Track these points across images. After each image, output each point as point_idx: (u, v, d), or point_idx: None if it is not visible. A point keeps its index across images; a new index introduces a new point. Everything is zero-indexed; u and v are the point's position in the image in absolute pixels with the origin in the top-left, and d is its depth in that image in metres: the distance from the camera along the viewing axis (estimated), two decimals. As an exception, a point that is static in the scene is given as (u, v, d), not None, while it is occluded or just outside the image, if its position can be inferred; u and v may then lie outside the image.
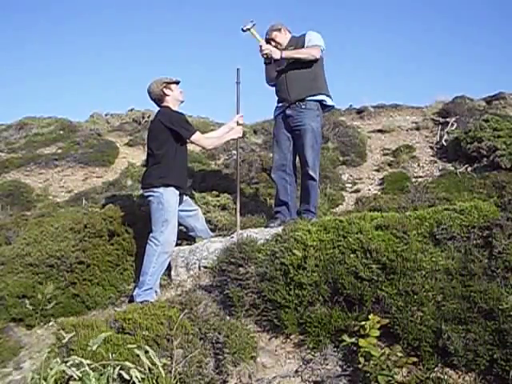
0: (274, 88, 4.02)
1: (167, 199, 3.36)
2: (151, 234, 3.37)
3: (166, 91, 3.54)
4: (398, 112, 9.06)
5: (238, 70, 3.74)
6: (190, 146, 3.68)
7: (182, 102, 3.67)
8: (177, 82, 3.61)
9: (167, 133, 3.42)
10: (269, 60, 3.86)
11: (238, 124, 3.78)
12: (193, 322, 2.60)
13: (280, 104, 3.95)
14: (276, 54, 3.76)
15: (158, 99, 3.56)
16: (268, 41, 3.97)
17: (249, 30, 3.83)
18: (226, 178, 5.81)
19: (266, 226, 3.80)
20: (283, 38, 3.95)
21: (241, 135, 3.80)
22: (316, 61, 3.78)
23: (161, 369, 1.81)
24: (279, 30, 3.95)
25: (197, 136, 3.49)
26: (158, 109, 3.63)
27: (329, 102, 3.89)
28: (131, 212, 4.00)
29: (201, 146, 3.72)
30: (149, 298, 3.24)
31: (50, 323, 3.29)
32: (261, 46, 3.81)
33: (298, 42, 3.87)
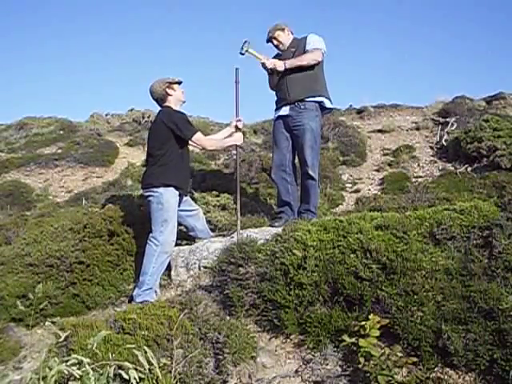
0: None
1: (167, 199, 3.36)
2: (151, 234, 3.36)
3: (169, 91, 3.54)
4: (398, 112, 9.07)
5: (236, 69, 3.74)
6: (190, 147, 3.68)
7: (183, 102, 3.67)
8: (179, 82, 3.62)
9: (168, 133, 3.42)
10: (273, 72, 3.88)
11: (238, 129, 3.76)
12: (193, 322, 2.59)
13: (279, 104, 3.95)
14: (280, 67, 3.78)
15: (161, 99, 3.56)
16: (270, 39, 3.98)
17: (247, 51, 3.84)
18: (226, 178, 5.81)
19: (270, 226, 3.80)
20: (285, 38, 3.96)
21: (241, 142, 3.79)
22: (317, 63, 3.80)
23: (157, 370, 1.81)
24: (283, 29, 3.96)
25: (198, 136, 3.49)
26: (159, 109, 3.63)
27: (327, 104, 3.90)
28: (131, 212, 4.00)
29: (202, 146, 3.71)
30: (148, 298, 3.24)
31: (46, 323, 3.29)
32: (263, 64, 3.83)
33: (299, 45, 3.89)
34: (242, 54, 3.85)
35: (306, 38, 3.87)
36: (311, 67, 3.78)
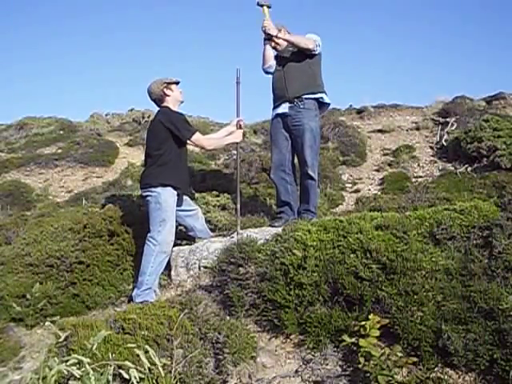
0: (268, 76, 4.04)
1: (165, 199, 3.36)
2: (149, 234, 3.37)
3: (167, 91, 3.55)
4: (398, 112, 9.06)
5: (237, 69, 3.75)
6: (189, 146, 3.68)
7: (181, 102, 3.68)
8: (177, 83, 3.62)
9: (167, 133, 3.43)
10: (267, 36, 3.90)
11: (238, 128, 3.77)
12: (193, 322, 2.59)
13: (277, 102, 3.95)
14: (273, 31, 3.82)
15: (159, 99, 3.57)
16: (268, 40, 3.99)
17: (263, 6, 3.86)
18: (226, 178, 5.81)
19: (270, 226, 3.80)
20: None
21: (241, 139, 3.79)
22: (312, 56, 3.81)
23: (160, 369, 1.81)
24: (279, 30, 3.96)
25: (197, 136, 3.49)
26: (157, 109, 3.64)
27: (326, 99, 3.91)
28: (131, 212, 4.00)
29: (200, 147, 3.72)
30: (148, 298, 3.24)
31: (46, 323, 3.29)
32: (264, 22, 3.85)
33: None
34: (258, 5, 3.88)
35: None
36: (307, 64, 3.80)
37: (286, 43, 3.94)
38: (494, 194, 4.50)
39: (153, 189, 3.38)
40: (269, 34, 3.85)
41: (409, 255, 2.45)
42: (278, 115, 3.93)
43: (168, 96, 3.55)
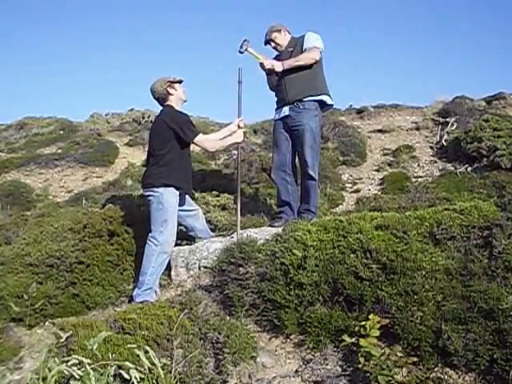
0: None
1: (167, 199, 3.36)
2: (150, 234, 3.36)
3: (170, 90, 3.54)
4: (398, 112, 9.06)
5: (239, 69, 3.75)
6: (190, 146, 3.68)
7: (185, 101, 3.68)
8: (180, 81, 3.63)
9: (170, 133, 3.42)
10: (271, 72, 3.88)
11: (239, 128, 3.77)
12: (193, 322, 2.60)
13: (279, 105, 3.95)
14: (279, 67, 3.78)
15: (162, 98, 3.56)
16: (268, 42, 3.99)
17: (246, 50, 3.85)
18: (226, 178, 5.82)
19: (270, 226, 3.80)
20: (283, 38, 3.96)
21: (242, 139, 3.80)
22: (315, 62, 3.79)
23: (160, 369, 1.81)
24: (279, 31, 3.96)
25: (200, 138, 3.49)
26: (159, 108, 3.63)
27: (328, 101, 3.89)
28: (131, 212, 4.00)
29: (203, 148, 3.72)
30: (148, 298, 3.24)
31: (46, 323, 3.30)
32: (262, 64, 3.83)
33: (297, 44, 3.88)
34: (241, 53, 3.86)
35: (303, 37, 3.87)
36: (309, 66, 3.78)
37: (286, 42, 3.94)
38: (494, 194, 4.50)
39: (155, 189, 3.38)
40: (277, 72, 3.79)
41: (409, 255, 2.46)
42: (279, 115, 3.93)
43: (171, 95, 3.55)
